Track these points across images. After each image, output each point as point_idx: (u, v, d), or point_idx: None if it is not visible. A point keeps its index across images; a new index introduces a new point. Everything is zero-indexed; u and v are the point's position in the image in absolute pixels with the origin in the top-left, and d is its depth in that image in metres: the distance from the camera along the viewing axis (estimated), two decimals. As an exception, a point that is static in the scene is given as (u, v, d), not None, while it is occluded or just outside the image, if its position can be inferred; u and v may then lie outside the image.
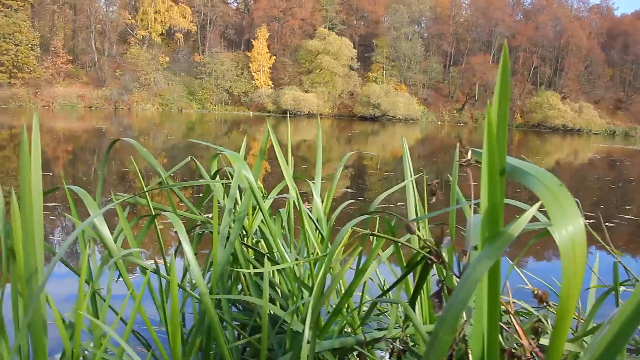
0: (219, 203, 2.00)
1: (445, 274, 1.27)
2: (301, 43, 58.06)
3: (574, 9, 74.16)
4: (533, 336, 0.84)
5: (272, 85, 55.96)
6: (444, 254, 1.25)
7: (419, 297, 1.62)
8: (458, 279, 0.83)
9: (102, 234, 1.58)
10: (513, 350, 0.77)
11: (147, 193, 1.88)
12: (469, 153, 0.89)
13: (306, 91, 54.77)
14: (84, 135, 20.20)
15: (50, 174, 9.58)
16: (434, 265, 1.33)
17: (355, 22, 67.29)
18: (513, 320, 0.86)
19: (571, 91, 65.43)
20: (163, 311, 1.66)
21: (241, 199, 2.07)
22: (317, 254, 2.08)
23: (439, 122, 59.69)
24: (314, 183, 2.00)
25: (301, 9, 61.12)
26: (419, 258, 1.41)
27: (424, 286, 1.65)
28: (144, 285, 1.59)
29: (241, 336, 1.80)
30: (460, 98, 63.76)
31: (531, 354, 0.78)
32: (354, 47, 59.18)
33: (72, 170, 10.64)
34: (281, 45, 59.92)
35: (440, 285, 0.87)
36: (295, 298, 1.71)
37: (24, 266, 1.23)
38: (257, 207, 1.84)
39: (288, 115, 2.57)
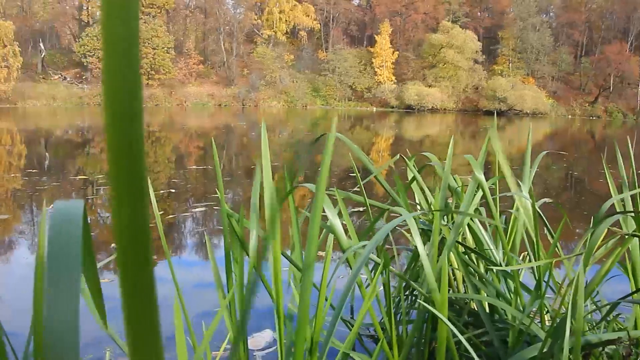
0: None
1: None
2: (424, 37, 57.21)
3: None
4: None
5: (395, 81, 55.70)
6: None
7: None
8: None
9: (335, 227, 1.68)
10: None
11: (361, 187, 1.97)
12: None
13: (429, 86, 54.04)
14: (221, 131, 21.17)
15: (209, 167, 10.13)
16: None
17: (479, 14, 65.49)
18: None
19: None
20: (388, 313, 1.71)
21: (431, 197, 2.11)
22: (511, 251, 2.09)
23: (570, 116, 56.74)
24: (522, 183, 2.01)
25: (424, 3, 60.31)
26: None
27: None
28: (375, 279, 1.67)
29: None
30: (592, 90, 60.07)
31: None
32: (479, 40, 57.54)
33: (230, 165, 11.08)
34: (404, 40, 59.48)
35: None
36: (518, 298, 1.73)
37: (304, 260, 1.32)
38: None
39: (495, 114, 2.56)
